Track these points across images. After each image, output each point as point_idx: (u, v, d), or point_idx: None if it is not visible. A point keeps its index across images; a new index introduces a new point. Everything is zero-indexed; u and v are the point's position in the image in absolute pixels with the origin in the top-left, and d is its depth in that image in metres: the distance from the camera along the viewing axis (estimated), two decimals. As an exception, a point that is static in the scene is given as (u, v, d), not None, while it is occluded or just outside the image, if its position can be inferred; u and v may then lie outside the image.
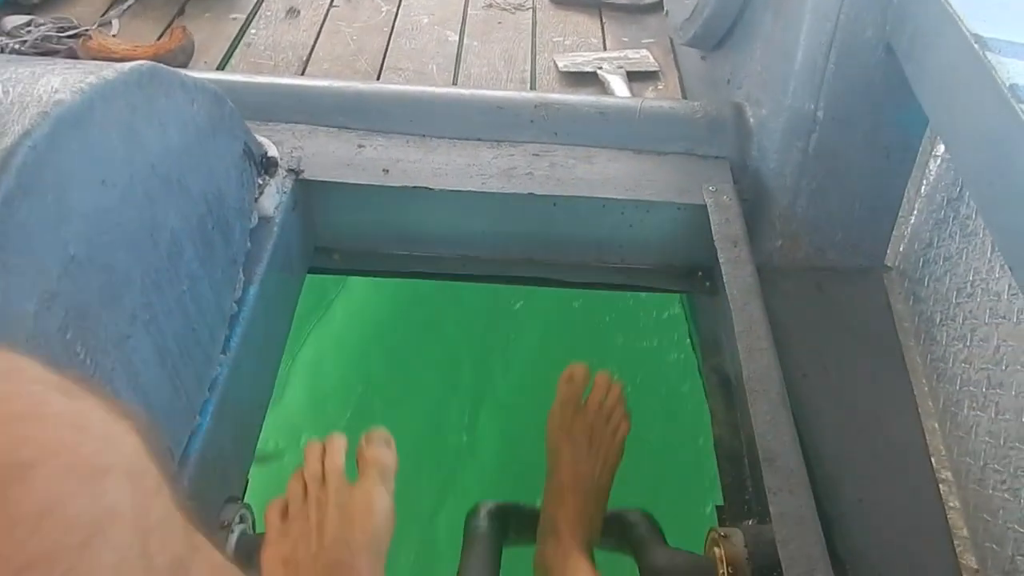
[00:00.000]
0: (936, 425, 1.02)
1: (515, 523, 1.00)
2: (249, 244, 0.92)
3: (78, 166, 0.59)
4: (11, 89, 0.58)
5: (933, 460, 0.99)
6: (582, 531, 0.92)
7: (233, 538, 0.83)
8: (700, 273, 1.16)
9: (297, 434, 1.36)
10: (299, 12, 1.67)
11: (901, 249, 1.17)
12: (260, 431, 0.97)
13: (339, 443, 0.76)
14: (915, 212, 1.14)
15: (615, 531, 0.97)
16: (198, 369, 0.77)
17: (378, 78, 1.49)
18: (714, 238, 1.06)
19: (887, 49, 1.00)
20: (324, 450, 0.76)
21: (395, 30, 1.64)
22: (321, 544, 0.68)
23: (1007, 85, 0.76)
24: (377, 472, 0.73)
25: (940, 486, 0.97)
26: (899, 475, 0.98)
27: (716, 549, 0.87)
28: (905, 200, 1.14)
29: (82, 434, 0.29)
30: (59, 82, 0.59)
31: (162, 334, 0.70)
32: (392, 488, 0.74)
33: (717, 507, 1.00)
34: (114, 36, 1.54)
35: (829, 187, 1.13)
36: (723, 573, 0.85)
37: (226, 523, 0.83)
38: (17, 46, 1.43)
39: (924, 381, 1.06)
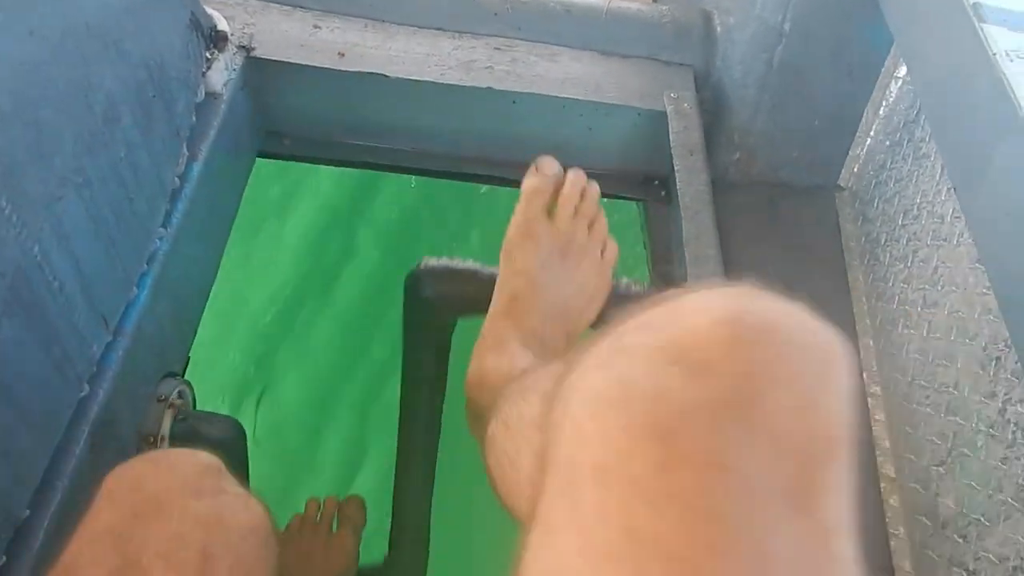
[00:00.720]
0: (871, 342, 1.05)
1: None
2: (195, 119, 0.89)
3: (4, 13, 0.56)
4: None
5: (865, 375, 1.02)
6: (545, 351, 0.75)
7: (169, 412, 0.83)
8: (656, 182, 1.15)
9: (243, 319, 1.36)
10: None
11: (855, 170, 1.18)
12: (202, 312, 0.96)
13: (331, 502, 1.12)
14: (872, 133, 1.15)
15: None
16: (136, 240, 0.76)
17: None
18: (671, 145, 1.05)
19: (859, -38, 0.98)
20: (318, 506, 1.11)
21: (362, -88, 1.56)
22: (308, 568, 1.03)
23: (970, 4, 0.75)
24: (351, 527, 1.09)
25: (868, 400, 1.00)
26: (830, 388, 1.00)
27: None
28: (863, 121, 1.14)
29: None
30: (-17, -80, 0.55)
31: (96, 201, 0.68)
32: (359, 538, 1.09)
33: None
34: None
35: (789, 103, 1.12)
36: None
37: (163, 397, 0.83)
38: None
39: (864, 300, 1.08)
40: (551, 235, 0.81)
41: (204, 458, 0.54)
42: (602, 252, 0.85)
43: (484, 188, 1.26)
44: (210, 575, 0.44)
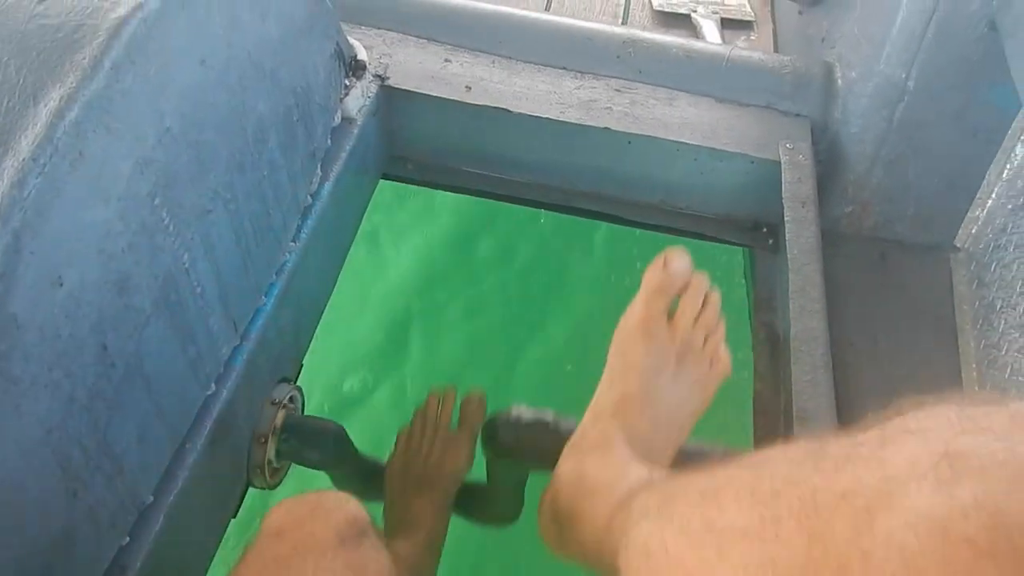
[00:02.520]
0: (978, 411, 1.02)
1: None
2: (329, 142, 0.95)
3: (181, 43, 0.63)
4: (128, -38, 0.61)
5: (968, 444, 0.99)
6: (645, 465, 0.66)
7: (281, 414, 0.89)
8: (765, 229, 1.16)
9: (351, 332, 1.42)
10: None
11: (973, 231, 1.15)
12: (319, 321, 1.02)
13: (451, 396, 1.05)
14: (993, 196, 1.12)
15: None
16: (269, 252, 0.82)
17: (472, -4, 1.49)
18: (783, 196, 1.06)
19: (990, 25, 0.97)
20: (439, 400, 1.04)
21: (494, -49, 1.63)
22: (424, 469, 0.97)
23: (1110, 74, 0.74)
24: (469, 428, 1.00)
25: (971, 470, 0.97)
26: (931, 454, 0.98)
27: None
28: (984, 182, 1.12)
29: None
30: (172, -39, 0.62)
31: (240, 215, 0.75)
32: (476, 437, 0.97)
33: None
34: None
35: (909, 160, 1.11)
36: None
37: (276, 400, 0.89)
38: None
39: (974, 366, 1.05)
40: (669, 338, 0.73)
41: (353, 508, 0.62)
42: (710, 365, 0.75)
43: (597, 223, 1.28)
44: None
